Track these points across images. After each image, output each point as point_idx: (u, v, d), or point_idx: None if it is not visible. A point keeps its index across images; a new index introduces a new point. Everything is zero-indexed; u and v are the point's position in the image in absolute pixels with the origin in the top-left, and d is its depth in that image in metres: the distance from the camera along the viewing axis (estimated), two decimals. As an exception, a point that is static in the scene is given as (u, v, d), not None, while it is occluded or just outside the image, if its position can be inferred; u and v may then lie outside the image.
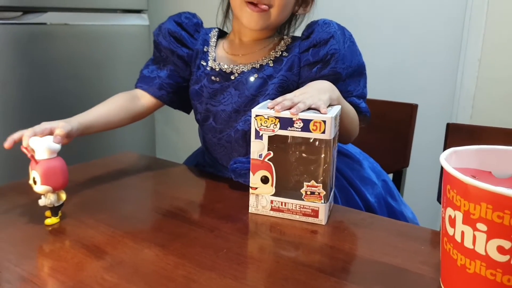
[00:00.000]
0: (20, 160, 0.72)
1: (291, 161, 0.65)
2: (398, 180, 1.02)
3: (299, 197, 0.66)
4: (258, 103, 0.76)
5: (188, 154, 1.03)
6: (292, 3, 0.79)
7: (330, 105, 0.69)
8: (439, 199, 0.84)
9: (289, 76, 0.79)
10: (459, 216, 0.43)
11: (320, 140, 0.63)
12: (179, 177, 0.88)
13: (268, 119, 0.64)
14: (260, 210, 0.69)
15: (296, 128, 0.63)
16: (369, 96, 0.85)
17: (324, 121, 0.62)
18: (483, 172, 0.52)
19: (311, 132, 0.63)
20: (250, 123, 0.67)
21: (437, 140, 0.96)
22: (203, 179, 0.87)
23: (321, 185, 0.65)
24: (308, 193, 0.65)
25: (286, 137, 0.64)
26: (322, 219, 0.66)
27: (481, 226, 0.41)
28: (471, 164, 0.52)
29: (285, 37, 0.83)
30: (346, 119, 0.75)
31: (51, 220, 0.64)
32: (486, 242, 0.41)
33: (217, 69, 0.82)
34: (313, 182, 0.65)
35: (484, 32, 1.36)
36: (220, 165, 0.87)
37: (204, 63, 0.84)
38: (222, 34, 0.89)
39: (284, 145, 0.65)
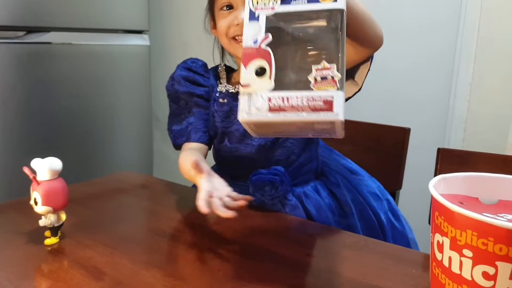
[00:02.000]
0: (21, 177, 0.73)
1: (295, 43, 0.53)
2: (392, 202, 1.04)
3: (305, 87, 0.50)
4: None
5: (186, 172, 1.04)
6: None
7: None
8: (430, 221, 0.86)
9: None
10: (446, 242, 0.45)
11: (333, 12, 0.51)
12: (177, 198, 0.89)
13: None
14: (254, 113, 0.51)
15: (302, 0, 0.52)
16: (363, 119, 0.88)
17: None
18: (471, 198, 0.54)
19: (320, 2, 0.51)
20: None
21: (430, 163, 0.98)
22: (200, 199, 0.88)
23: (335, 65, 0.50)
24: (318, 79, 0.50)
25: (288, 15, 0.53)
26: (338, 112, 0.48)
27: (467, 252, 0.43)
28: (459, 191, 0.54)
29: None
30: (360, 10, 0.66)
31: (50, 240, 0.66)
32: (472, 267, 0.43)
33: (224, 91, 0.86)
34: (324, 64, 0.50)
35: (475, 57, 1.40)
36: (236, 184, 0.87)
37: (217, 93, 0.88)
38: (227, 69, 0.94)
39: (286, 25, 0.53)
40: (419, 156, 1.43)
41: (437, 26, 1.49)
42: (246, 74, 0.52)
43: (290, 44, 0.52)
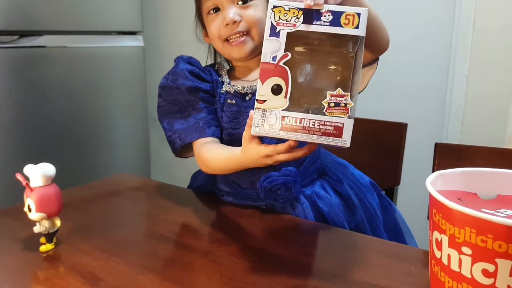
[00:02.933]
0: (18, 182, 0.72)
1: (312, 66, 0.54)
2: (390, 198, 1.04)
3: (319, 111, 0.53)
4: None
5: (184, 172, 1.03)
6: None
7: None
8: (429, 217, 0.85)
9: None
10: (445, 239, 0.45)
11: (352, 38, 0.52)
12: (173, 200, 0.88)
13: (289, 11, 0.53)
14: (267, 130, 0.55)
15: (324, 22, 0.52)
16: (359, 115, 0.87)
17: (358, 14, 0.52)
18: (469, 194, 0.54)
19: (342, 27, 0.52)
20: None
21: (428, 157, 0.98)
22: (197, 202, 0.87)
23: (349, 94, 0.52)
24: (332, 105, 0.53)
25: (308, 34, 0.53)
26: (346, 139, 0.53)
27: (466, 249, 0.42)
28: (457, 186, 0.54)
29: None
30: (372, 16, 0.64)
31: (46, 247, 0.65)
32: (472, 265, 0.42)
33: (232, 91, 0.83)
34: (339, 91, 0.53)
35: (471, 50, 1.39)
36: (242, 190, 0.84)
37: (222, 91, 0.85)
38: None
39: (305, 46, 0.54)
40: (416, 151, 1.42)
41: (433, 19, 1.48)
42: (262, 90, 0.54)
43: (310, 65, 0.54)
